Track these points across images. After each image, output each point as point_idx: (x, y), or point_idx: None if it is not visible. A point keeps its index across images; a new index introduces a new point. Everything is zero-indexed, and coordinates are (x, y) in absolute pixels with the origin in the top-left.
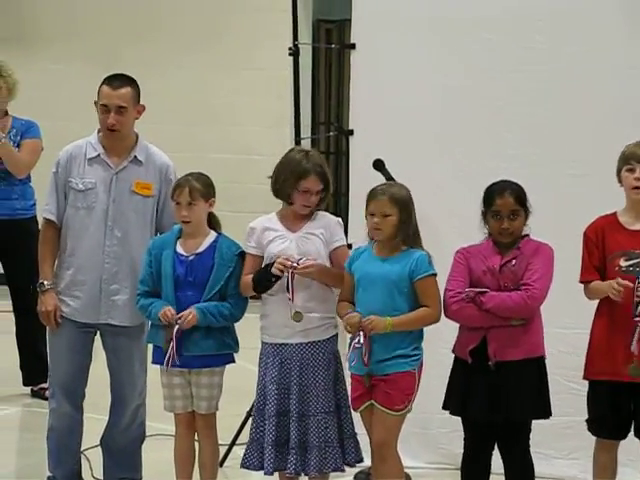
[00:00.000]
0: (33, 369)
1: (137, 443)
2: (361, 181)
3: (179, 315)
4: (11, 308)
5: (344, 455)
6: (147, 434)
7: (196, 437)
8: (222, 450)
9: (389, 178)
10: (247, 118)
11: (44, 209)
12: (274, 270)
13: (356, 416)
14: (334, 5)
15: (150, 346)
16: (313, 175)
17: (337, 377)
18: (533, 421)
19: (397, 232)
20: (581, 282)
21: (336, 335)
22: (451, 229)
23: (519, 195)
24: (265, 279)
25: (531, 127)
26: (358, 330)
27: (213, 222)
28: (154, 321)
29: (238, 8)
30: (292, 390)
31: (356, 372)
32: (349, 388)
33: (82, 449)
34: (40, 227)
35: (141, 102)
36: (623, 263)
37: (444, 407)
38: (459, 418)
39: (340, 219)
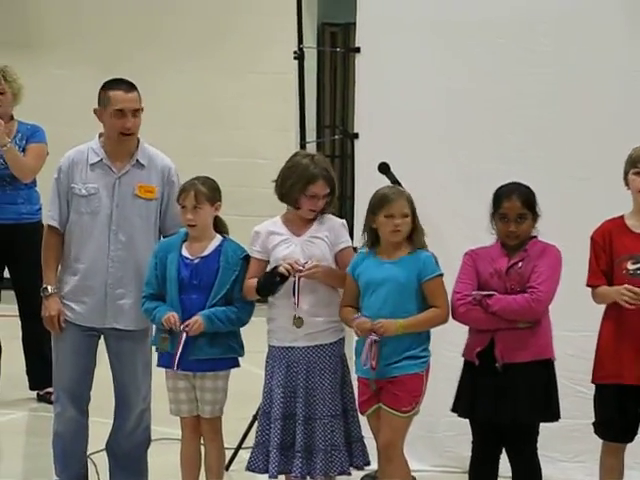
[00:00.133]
0: (39, 373)
1: (142, 448)
2: (366, 184)
3: (186, 323)
4: (17, 312)
5: (351, 458)
6: (153, 438)
7: (202, 441)
8: (228, 454)
9: (394, 181)
10: (252, 122)
11: (46, 215)
12: (281, 269)
13: (363, 419)
14: (339, 8)
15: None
16: (321, 180)
17: (344, 380)
18: (540, 424)
19: (412, 232)
20: (588, 286)
21: (343, 339)
22: (456, 231)
23: (527, 198)
24: (270, 282)
25: (536, 130)
26: (369, 334)
27: (220, 226)
28: (158, 325)
29: (243, 11)
30: (298, 393)
31: (365, 375)
32: (356, 391)
33: (88, 453)
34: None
35: (146, 106)
36: (630, 266)
37: (453, 409)
38: (466, 421)
39: (344, 221)
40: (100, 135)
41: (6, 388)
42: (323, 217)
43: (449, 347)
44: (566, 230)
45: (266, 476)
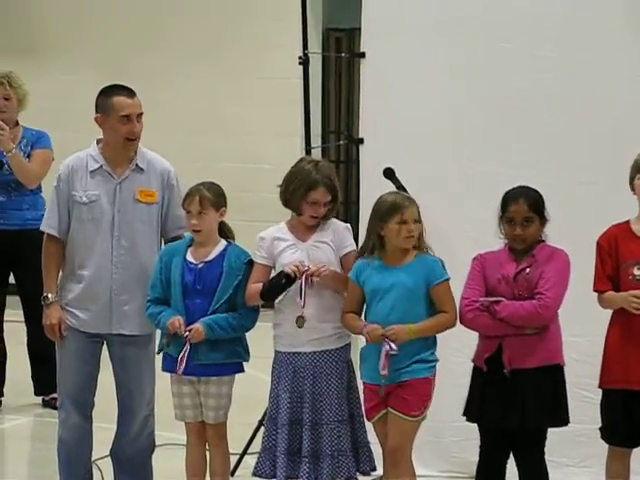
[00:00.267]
0: (44, 379)
1: (147, 453)
2: (371, 190)
3: (188, 328)
4: (22, 318)
5: (358, 464)
6: (158, 443)
7: (207, 446)
8: (233, 459)
9: (399, 186)
10: (257, 127)
11: (44, 223)
12: (287, 270)
13: (368, 424)
14: (344, 14)
15: (160, 354)
16: (322, 187)
17: (350, 386)
18: (548, 429)
19: (418, 237)
20: (595, 291)
21: (349, 344)
22: (462, 235)
23: (534, 202)
24: (276, 285)
25: (542, 134)
26: (383, 341)
27: (225, 231)
28: (162, 329)
29: (248, 17)
30: (305, 399)
31: (375, 382)
32: (362, 397)
33: (94, 459)
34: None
35: (151, 111)
36: (637, 272)
37: (464, 414)
38: (472, 426)
39: (349, 225)
40: (98, 141)
41: (11, 394)
42: (327, 222)
43: (455, 352)
44: (572, 235)
45: None
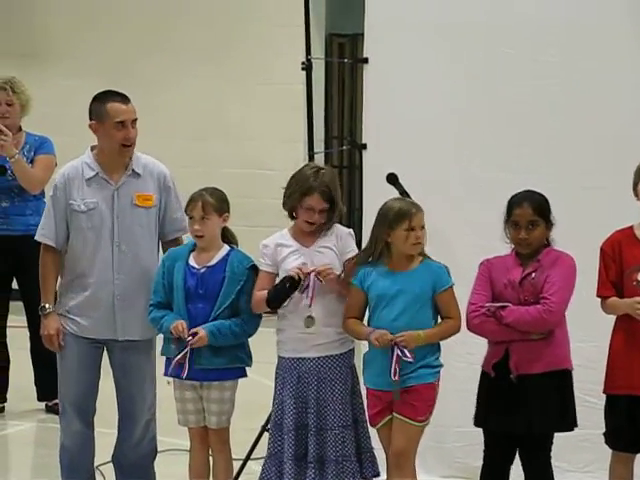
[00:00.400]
0: (48, 384)
1: (149, 459)
2: (374, 195)
3: (191, 332)
4: (26, 323)
5: (361, 469)
6: (161, 449)
7: (210, 452)
8: (236, 465)
9: (402, 192)
10: (260, 132)
11: (39, 234)
12: (291, 273)
13: (372, 430)
14: (347, 19)
15: (161, 359)
16: (317, 194)
17: (354, 391)
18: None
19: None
20: (598, 297)
21: (352, 349)
22: (465, 240)
23: (539, 206)
24: (281, 290)
25: (545, 139)
26: (392, 346)
27: (228, 236)
28: (165, 334)
29: (250, 23)
30: (310, 404)
31: (379, 388)
32: (365, 403)
33: (97, 464)
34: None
35: (154, 116)
36: None
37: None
38: (475, 432)
39: (351, 230)
40: (92, 148)
41: (15, 399)
42: (331, 227)
43: (458, 358)
44: (575, 240)
45: None
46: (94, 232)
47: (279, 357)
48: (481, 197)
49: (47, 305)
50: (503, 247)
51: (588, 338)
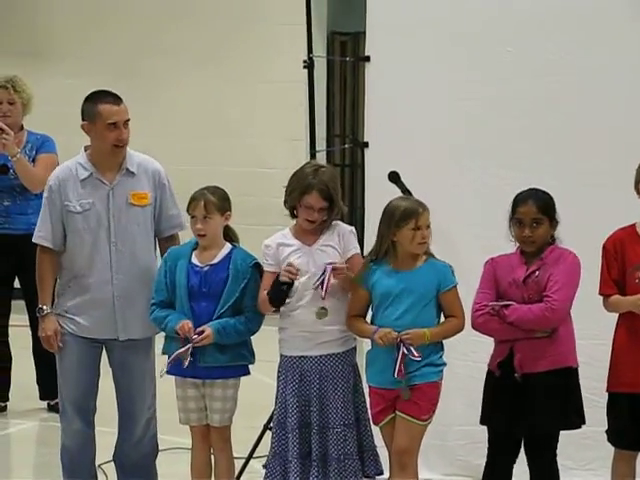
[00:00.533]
0: (50, 383)
1: (151, 457)
2: (377, 193)
3: (198, 331)
4: (28, 322)
5: (363, 468)
6: (162, 448)
7: (211, 450)
8: (238, 463)
9: (404, 190)
10: (262, 131)
11: (36, 235)
12: (282, 278)
13: (375, 428)
14: (349, 18)
15: (161, 358)
16: (315, 192)
17: (356, 389)
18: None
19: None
20: (600, 295)
21: (354, 347)
22: (467, 239)
23: (544, 204)
24: (279, 292)
25: (548, 137)
26: (398, 344)
27: (230, 235)
28: (170, 334)
29: (253, 21)
30: (312, 402)
31: (383, 386)
32: (368, 401)
33: (99, 463)
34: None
35: (155, 115)
36: None
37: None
38: (477, 430)
39: (353, 228)
40: (86, 148)
41: (17, 398)
42: (333, 225)
43: (460, 357)
44: (577, 238)
45: None
46: (91, 233)
47: (281, 355)
48: (482, 195)
49: (44, 306)
50: (506, 246)
51: (590, 336)
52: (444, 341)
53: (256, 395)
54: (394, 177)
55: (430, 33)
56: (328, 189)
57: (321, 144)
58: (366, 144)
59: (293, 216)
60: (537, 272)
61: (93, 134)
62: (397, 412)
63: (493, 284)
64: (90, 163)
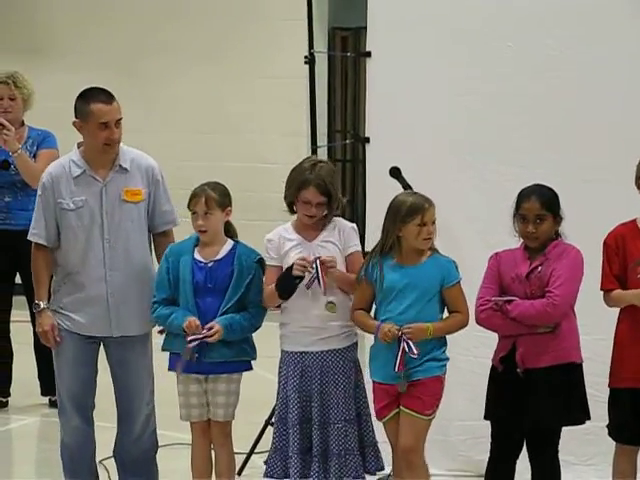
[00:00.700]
0: (51, 379)
1: (151, 453)
2: (378, 189)
3: (207, 326)
4: (29, 318)
5: (364, 463)
6: (163, 443)
7: (212, 446)
8: (238, 459)
9: (405, 185)
10: (263, 126)
11: (31, 233)
12: (295, 272)
13: (376, 424)
14: (350, 13)
15: (160, 354)
16: (312, 187)
17: (357, 385)
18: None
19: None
20: (602, 290)
21: (356, 343)
22: (469, 234)
23: (547, 199)
24: (289, 283)
25: (547, 133)
26: (399, 339)
27: (230, 230)
28: (175, 331)
29: (254, 17)
30: (314, 398)
31: (386, 381)
32: (369, 396)
33: (100, 459)
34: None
35: (156, 111)
36: None
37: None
38: (479, 425)
39: (354, 225)
40: (79, 145)
41: (18, 394)
42: (333, 221)
43: (463, 352)
44: (578, 233)
45: None
46: (84, 230)
47: (282, 351)
48: (484, 190)
49: (40, 302)
50: (508, 240)
51: (591, 331)
52: (447, 336)
53: (257, 391)
54: (395, 172)
55: (431, 29)
56: (325, 184)
57: (322, 139)
58: (367, 139)
59: (292, 211)
60: (540, 267)
61: (85, 132)
62: (401, 407)
63: (497, 279)
64: (83, 160)
